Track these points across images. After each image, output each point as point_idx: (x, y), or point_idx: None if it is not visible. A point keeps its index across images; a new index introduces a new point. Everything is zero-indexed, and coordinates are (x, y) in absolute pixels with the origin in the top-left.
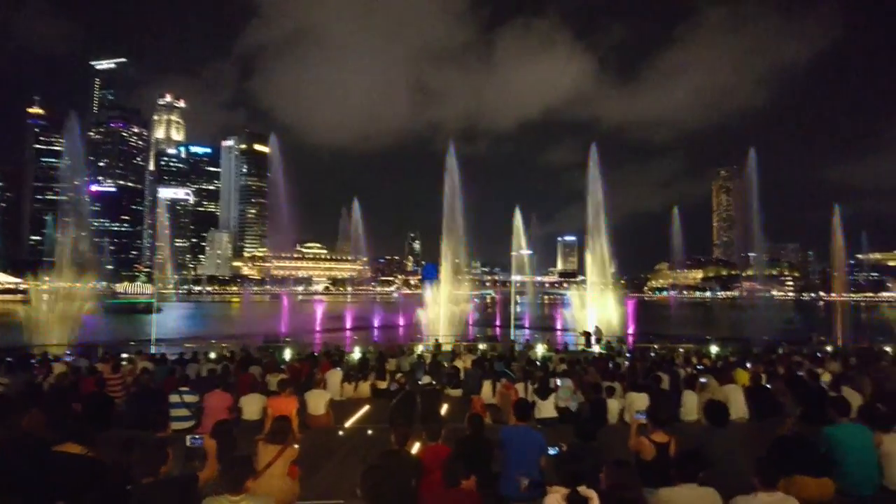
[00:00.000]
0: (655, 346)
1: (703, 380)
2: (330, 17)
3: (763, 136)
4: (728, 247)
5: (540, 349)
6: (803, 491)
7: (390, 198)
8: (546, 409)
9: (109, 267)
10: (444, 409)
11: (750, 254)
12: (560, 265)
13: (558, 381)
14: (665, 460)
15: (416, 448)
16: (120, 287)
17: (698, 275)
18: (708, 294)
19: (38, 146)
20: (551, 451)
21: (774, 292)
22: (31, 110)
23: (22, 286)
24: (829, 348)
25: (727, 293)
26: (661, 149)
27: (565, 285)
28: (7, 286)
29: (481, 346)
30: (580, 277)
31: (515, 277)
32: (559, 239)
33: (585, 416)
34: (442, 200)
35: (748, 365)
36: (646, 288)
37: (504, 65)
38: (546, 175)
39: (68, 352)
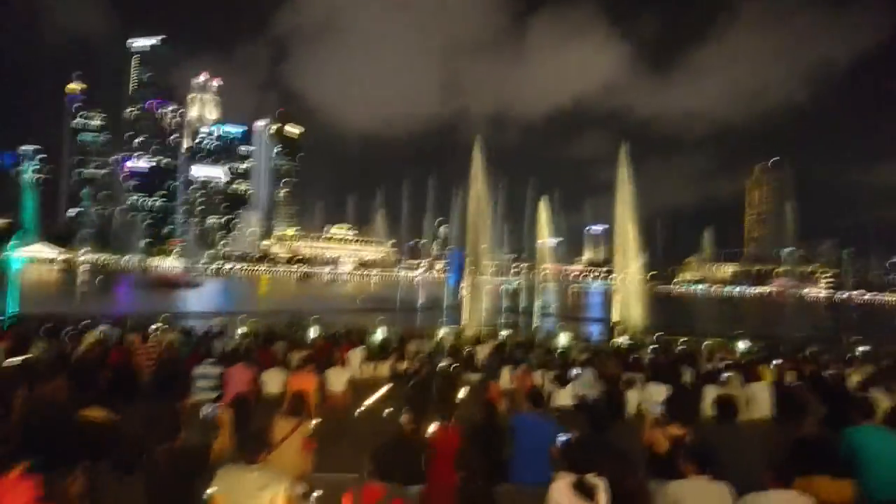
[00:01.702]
0: (680, 340)
1: (725, 375)
2: (362, 3)
3: (802, 133)
4: (761, 243)
5: (563, 338)
6: (821, 492)
7: (418, 183)
8: (563, 397)
9: (143, 242)
10: (461, 393)
11: (783, 250)
12: (587, 255)
13: (576, 371)
14: (678, 453)
15: (430, 429)
16: (153, 261)
17: (729, 270)
18: (738, 290)
19: (75, 122)
20: (561, 439)
21: (807, 290)
22: (69, 87)
23: (60, 258)
24: (860, 349)
25: (758, 289)
26: (695, 142)
27: (591, 275)
28: (46, 257)
29: (503, 333)
30: (607, 268)
31: (543, 266)
32: (587, 229)
33: (602, 406)
34: (469, 188)
35: (773, 363)
36: (674, 282)
37: (535, 53)
38: (575, 164)
39: (104, 322)
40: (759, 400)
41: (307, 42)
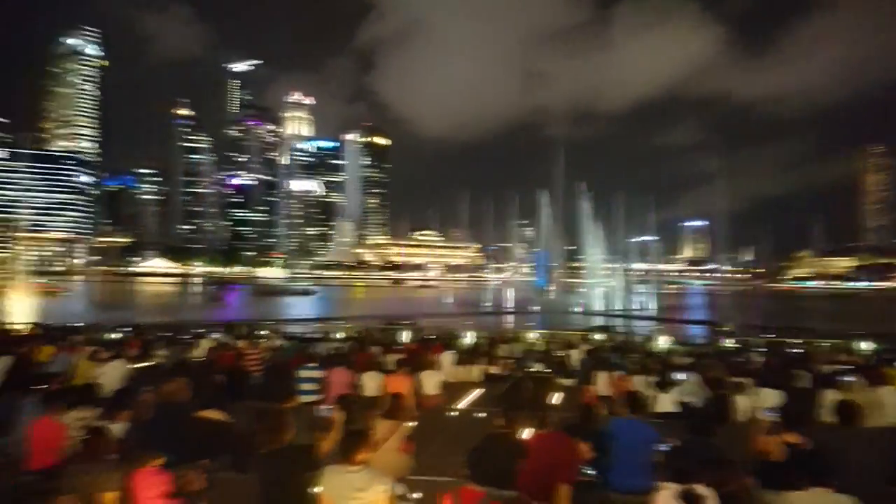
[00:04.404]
0: (794, 341)
1: (847, 378)
2: (443, 7)
3: None
4: (881, 233)
5: (662, 341)
6: None
7: (502, 185)
8: (665, 403)
9: (250, 253)
10: (555, 398)
11: None
12: (687, 252)
13: (680, 375)
14: (796, 462)
15: (524, 433)
16: (259, 272)
17: (847, 263)
18: (857, 285)
19: (184, 144)
20: (662, 447)
21: None
22: (177, 111)
23: (176, 271)
24: None
25: (882, 283)
26: (799, 124)
27: (691, 274)
28: (164, 270)
29: (597, 337)
30: (711, 265)
31: (637, 265)
32: (685, 224)
33: (707, 411)
34: (553, 189)
35: None
36: (786, 277)
37: (621, 42)
38: (668, 157)
39: (216, 329)
40: (887, 405)
41: (389, 52)
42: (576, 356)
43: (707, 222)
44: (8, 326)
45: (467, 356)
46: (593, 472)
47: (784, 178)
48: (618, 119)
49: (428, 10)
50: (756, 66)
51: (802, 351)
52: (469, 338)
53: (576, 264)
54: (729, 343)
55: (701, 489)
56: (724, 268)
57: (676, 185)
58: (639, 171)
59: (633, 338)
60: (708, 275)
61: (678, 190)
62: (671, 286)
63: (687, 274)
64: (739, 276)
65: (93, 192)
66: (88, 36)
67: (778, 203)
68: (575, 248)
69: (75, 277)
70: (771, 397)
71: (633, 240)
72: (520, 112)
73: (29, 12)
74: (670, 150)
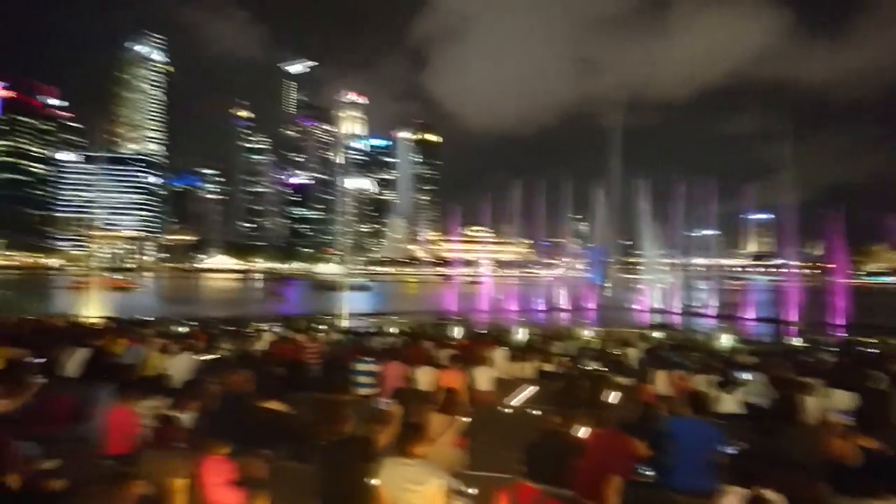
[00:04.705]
0: (870, 340)
1: None
2: (494, 0)
3: None
4: None
5: (725, 339)
6: None
7: (555, 178)
8: (729, 403)
9: (307, 250)
10: (612, 396)
11: None
12: (751, 246)
13: (745, 375)
14: (873, 468)
15: (581, 431)
16: (317, 268)
17: None
18: None
19: (244, 144)
20: (728, 450)
21: None
22: (237, 113)
23: (238, 267)
24: None
25: None
26: (874, 108)
27: (755, 269)
28: (227, 267)
29: (656, 335)
30: (779, 260)
31: (697, 261)
32: (749, 216)
33: (774, 412)
34: (611, 180)
35: None
36: (860, 272)
37: (679, 26)
38: (731, 146)
39: (282, 323)
40: None
41: (440, 48)
42: (633, 354)
43: (773, 215)
44: (86, 320)
45: (520, 352)
46: (651, 472)
47: (864, 166)
48: (676, 107)
49: (479, 4)
50: (826, 48)
51: (878, 351)
52: (521, 334)
53: (632, 259)
54: (797, 342)
55: (770, 495)
56: (791, 262)
57: (739, 176)
58: (699, 162)
59: (693, 336)
60: (774, 270)
61: (741, 181)
62: (734, 282)
63: (751, 269)
64: (808, 270)
65: (160, 192)
66: (155, 43)
67: (851, 193)
68: (631, 242)
69: (146, 273)
70: (844, 399)
71: (694, 234)
72: (573, 102)
73: (98, 19)
74: (733, 139)
